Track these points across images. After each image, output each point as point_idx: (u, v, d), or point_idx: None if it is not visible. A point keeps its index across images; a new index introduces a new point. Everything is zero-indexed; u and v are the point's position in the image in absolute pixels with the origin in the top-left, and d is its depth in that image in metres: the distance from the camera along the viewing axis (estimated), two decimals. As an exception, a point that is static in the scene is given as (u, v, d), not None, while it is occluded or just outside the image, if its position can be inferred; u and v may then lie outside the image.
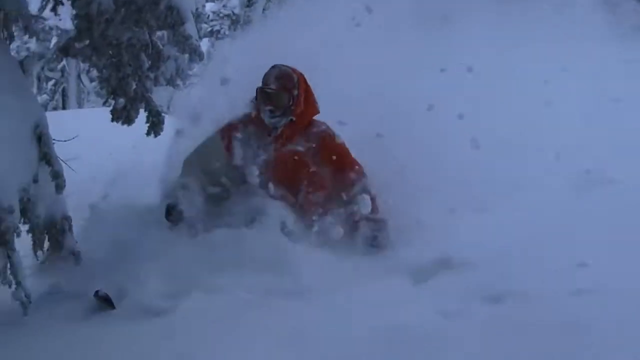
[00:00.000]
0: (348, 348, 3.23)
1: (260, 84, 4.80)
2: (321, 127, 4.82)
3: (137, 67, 5.18)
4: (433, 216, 4.57)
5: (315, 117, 4.87)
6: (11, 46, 4.69)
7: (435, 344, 3.16)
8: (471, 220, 4.56)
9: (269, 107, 4.73)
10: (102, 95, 7.28)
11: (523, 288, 3.71)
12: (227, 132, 4.81)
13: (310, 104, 4.82)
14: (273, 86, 4.74)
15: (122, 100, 5.25)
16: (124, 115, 5.26)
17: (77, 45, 5.05)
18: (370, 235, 4.60)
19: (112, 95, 5.27)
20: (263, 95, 4.75)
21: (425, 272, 4.14)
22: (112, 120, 5.29)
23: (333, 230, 4.51)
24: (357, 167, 4.73)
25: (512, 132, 5.37)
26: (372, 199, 4.65)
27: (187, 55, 5.42)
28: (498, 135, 5.19)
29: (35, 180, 4.10)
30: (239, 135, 4.76)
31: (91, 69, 6.11)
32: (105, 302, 4.01)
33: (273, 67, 4.83)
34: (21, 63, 4.50)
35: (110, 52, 5.07)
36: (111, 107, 5.32)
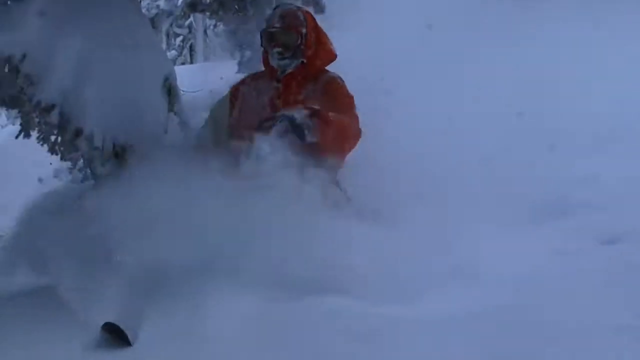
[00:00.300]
0: (479, 300, 3.20)
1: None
2: (331, 74, 4.26)
3: (261, 20, 5.28)
4: (541, 160, 4.58)
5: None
6: (142, 4, 4.86)
7: (558, 286, 3.18)
8: (581, 164, 4.57)
9: (276, 49, 4.20)
10: (228, 48, 7.46)
11: (637, 229, 3.70)
12: (235, 87, 4.39)
13: (322, 46, 4.28)
14: (278, 25, 4.22)
15: (248, 53, 5.37)
16: (250, 67, 5.39)
17: (204, 0, 5.19)
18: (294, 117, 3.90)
19: (238, 48, 5.40)
20: (268, 36, 4.23)
21: (539, 214, 4.14)
22: (238, 72, 5.43)
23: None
24: (354, 119, 4.11)
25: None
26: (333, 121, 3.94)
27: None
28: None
29: (165, 131, 4.27)
30: (245, 88, 4.33)
31: (218, 24, 6.24)
32: (117, 336, 2.93)
33: (276, 7, 4.45)
34: (152, 20, 4.65)
35: (236, 6, 5.18)
36: (238, 60, 5.45)
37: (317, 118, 3.92)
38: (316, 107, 3.96)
